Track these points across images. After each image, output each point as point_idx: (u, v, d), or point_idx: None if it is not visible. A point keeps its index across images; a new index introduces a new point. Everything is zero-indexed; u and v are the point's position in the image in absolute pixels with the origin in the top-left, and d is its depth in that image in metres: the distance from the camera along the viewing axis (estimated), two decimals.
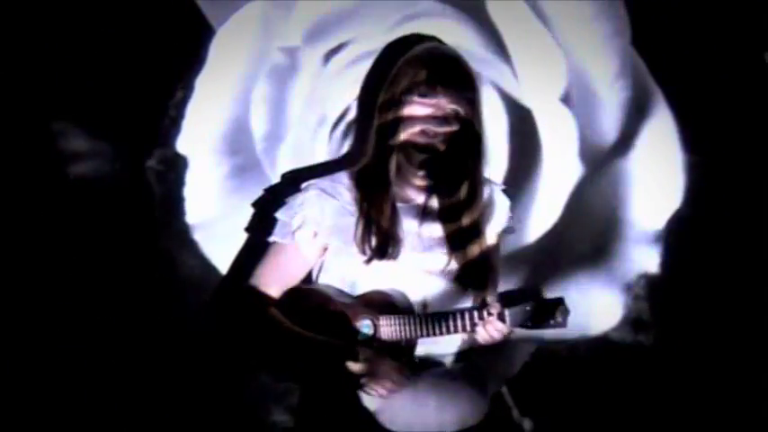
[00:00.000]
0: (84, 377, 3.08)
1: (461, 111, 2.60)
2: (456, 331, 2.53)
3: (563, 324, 2.42)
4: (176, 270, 3.12)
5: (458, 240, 2.65)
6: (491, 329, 2.51)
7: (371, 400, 2.58)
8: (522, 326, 2.45)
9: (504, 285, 2.81)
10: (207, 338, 3.03)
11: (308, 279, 2.75)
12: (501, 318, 2.48)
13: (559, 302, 2.41)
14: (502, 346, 2.67)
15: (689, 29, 3.22)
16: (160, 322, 3.12)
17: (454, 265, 2.65)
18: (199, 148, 3.11)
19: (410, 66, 2.62)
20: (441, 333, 2.53)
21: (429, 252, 2.65)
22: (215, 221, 3.13)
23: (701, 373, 3.27)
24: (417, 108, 2.59)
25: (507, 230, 2.79)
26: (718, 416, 3.25)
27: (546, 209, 3.26)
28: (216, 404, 3.16)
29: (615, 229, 3.27)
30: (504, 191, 2.82)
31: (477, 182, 2.67)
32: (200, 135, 3.10)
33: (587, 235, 3.28)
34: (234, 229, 3.06)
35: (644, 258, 3.27)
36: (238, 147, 3.13)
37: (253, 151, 3.14)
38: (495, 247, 2.76)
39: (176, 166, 3.10)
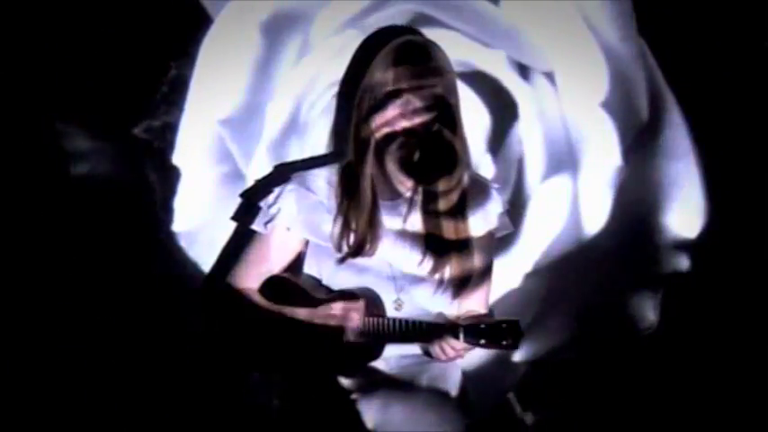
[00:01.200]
0: (87, 367, 3.15)
1: (432, 104, 2.61)
2: (412, 341, 2.57)
3: (515, 346, 2.46)
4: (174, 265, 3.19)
5: (439, 241, 2.66)
6: (444, 345, 2.54)
7: (370, 415, 2.64)
8: (476, 344, 2.48)
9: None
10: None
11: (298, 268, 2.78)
12: (455, 334, 2.50)
13: (513, 325, 2.45)
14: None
15: (690, 17, 3.22)
16: (162, 312, 3.18)
17: (434, 265, 2.66)
18: (190, 158, 3.18)
19: (379, 67, 2.64)
20: (397, 341, 2.57)
21: (409, 250, 2.67)
22: (202, 229, 3.21)
23: (701, 365, 3.28)
24: (389, 109, 2.61)
25: (500, 229, 2.77)
26: (714, 409, 3.26)
27: (590, 214, 3.29)
28: (217, 390, 3.20)
29: (648, 233, 3.29)
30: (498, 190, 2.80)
31: (456, 173, 2.66)
32: (191, 144, 3.17)
33: (621, 240, 3.29)
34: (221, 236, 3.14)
35: (675, 263, 3.27)
36: (226, 155, 3.20)
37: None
38: (484, 248, 2.73)
39: (164, 136, 3.17)
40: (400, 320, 2.56)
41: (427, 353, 2.61)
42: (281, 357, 2.64)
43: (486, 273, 2.73)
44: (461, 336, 2.48)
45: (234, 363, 2.85)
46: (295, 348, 2.61)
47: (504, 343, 2.44)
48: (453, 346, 2.53)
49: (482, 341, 2.45)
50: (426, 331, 2.53)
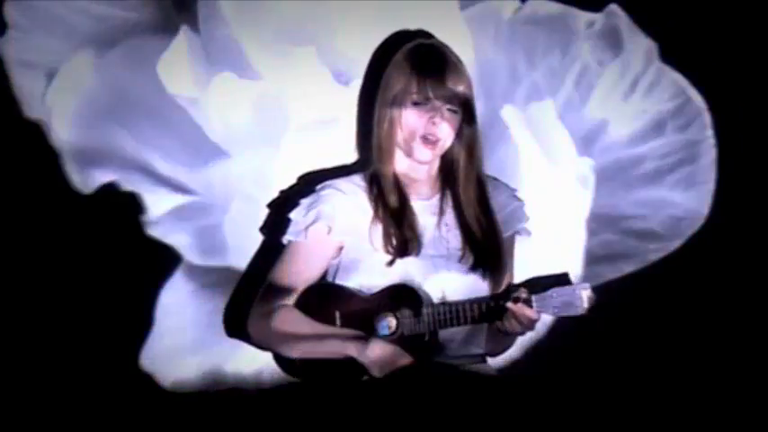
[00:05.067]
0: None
1: (456, 106, 2.67)
2: (482, 320, 2.54)
3: (587, 311, 2.42)
4: None
5: (475, 235, 2.69)
6: (520, 316, 2.50)
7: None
8: (548, 312, 2.46)
9: None
10: None
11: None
12: (528, 304, 2.48)
13: (585, 289, 2.42)
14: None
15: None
16: None
17: (475, 260, 2.68)
18: None
19: (399, 71, 2.69)
20: (466, 322, 2.55)
21: (448, 246, 2.70)
22: None
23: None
24: (413, 114, 2.66)
25: (521, 232, 2.80)
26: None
27: None
28: None
29: None
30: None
31: (479, 172, 2.73)
32: None
33: None
34: None
35: None
36: None
37: None
38: (510, 246, 2.78)
39: None
40: (465, 302, 2.56)
41: (498, 330, 2.58)
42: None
43: (510, 273, 2.78)
44: (534, 305, 2.45)
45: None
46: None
47: (579, 308, 2.41)
48: (528, 315, 2.49)
49: (555, 309, 2.43)
50: (495, 305, 2.50)
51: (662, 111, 3.24)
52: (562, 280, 2.47)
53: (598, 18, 3.24)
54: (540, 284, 2.49)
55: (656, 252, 3.24)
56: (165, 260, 3.13)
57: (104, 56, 3.10)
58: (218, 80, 3.09)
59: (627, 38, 3.24)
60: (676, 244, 3.25)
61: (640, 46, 3.24)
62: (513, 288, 2.54)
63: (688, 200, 3.24)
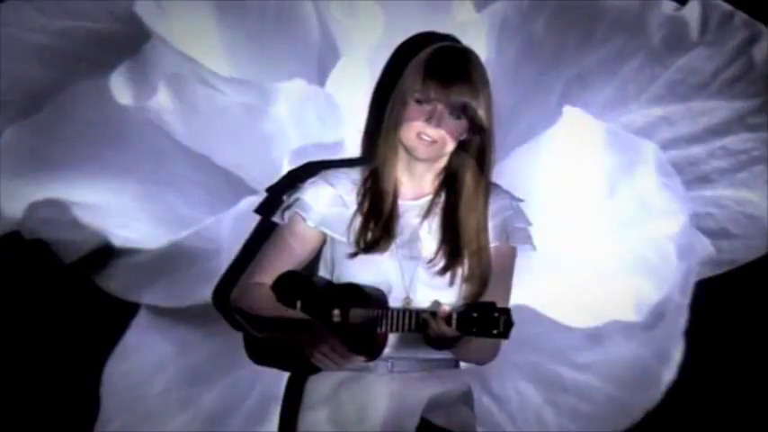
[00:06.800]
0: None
1: (459, 114, 2.62)
2: (409, 330, 2.56)
3: (506, 335, 2.45)
4: None
5: (454, 241, 2.66)
6: (438, 331, 2.52)
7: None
8: (467, 332, 2.47)
9: None
10: None
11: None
12: (448, 321, 2.49)
13: (505, 314, 2.45)
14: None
15: None
16: None
17: (444, 265, 2.66)
18: None
19: (413, 70, 2.67)
20: (396, 329, 2.58)
21: (421, 249, 2.68)
22: None
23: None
24: (414, 111, 2.63)
25: (518, 243, 2.73)
26: None
27: None
28: None
29: None
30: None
31: (477, 184, 2.68)
32: None
33: None
34: None
35: None
36: None
37: None
38: (503, 261, 2.71)
39: None
40: (399, 311, 2.58)
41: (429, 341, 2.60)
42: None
43: (502, 285, 2.71)
44: (454, 323, 2.49)
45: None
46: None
47: (495, 332, 2.44)
48: (445, 331, 2.51)
49: (473, 329, 2.46)
50: (419, 318, 2.54)
51: (739, 108, 3.09)
52: (488, 305, 2.50)
53: (687, 7, 3.07)
54: (468, 305, 2.55)
55: (732, 253, 3.12)
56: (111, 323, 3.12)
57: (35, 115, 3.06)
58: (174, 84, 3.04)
59: (715, 29, 3.07)
60: (757, 243, 3.12)
61: (731, 38, 3.07)
62: (438, 304, 2.59)
63: (764, 198, 3.11)
